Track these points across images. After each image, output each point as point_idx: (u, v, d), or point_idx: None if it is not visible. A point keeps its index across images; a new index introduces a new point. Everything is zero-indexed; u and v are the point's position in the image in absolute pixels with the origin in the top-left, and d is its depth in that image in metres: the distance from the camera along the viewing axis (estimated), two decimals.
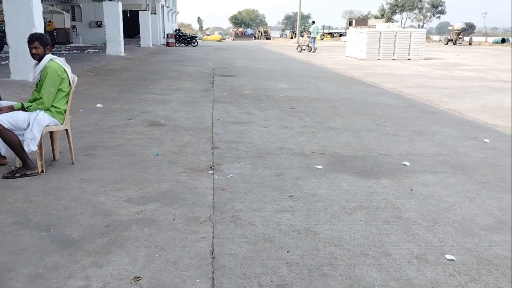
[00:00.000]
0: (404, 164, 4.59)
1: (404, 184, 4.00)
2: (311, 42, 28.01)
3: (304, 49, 28.13)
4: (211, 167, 4.37)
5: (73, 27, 31.92)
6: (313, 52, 26.95)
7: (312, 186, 3.93)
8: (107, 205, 3.40)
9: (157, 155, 4.75)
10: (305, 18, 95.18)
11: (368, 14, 75.53)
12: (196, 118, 6.76)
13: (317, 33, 29.30)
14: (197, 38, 37.49)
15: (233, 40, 62.74)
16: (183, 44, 34.07)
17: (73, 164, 4.39)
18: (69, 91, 4.27)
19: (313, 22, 31.66)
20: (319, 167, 4.46)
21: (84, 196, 3.59)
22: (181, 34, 35.31)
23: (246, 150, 5.04)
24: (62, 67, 4.17)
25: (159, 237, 2.90)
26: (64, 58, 4.47)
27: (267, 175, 4.21)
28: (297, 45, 29.56)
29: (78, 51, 22.25)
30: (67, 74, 4.21)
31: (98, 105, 7.62)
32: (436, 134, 5.99)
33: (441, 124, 6.60)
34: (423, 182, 4.06)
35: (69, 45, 27.22)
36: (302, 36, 56.87)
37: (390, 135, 5.90)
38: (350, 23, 60.44)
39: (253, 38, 66.62)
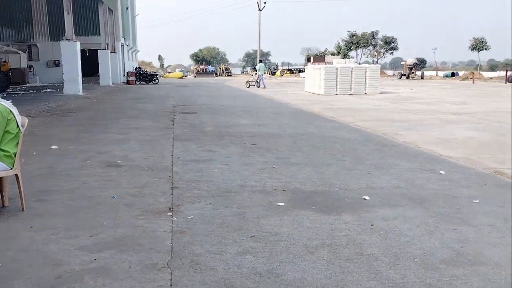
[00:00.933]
0: (364, 199, 4.60)
1: (364, 219, 4.00)
2: (259, 79, 29.89)
3: (253, 85, 29.95)
4: (170, 209, 4.24)
5: (30, 66, 31.38)
6: (262, 87, 28.50)
7: (274, 224, 3.86)
8: (58, 255, 3.20)
9: (114, 198, 4.58)
10: (265, 55, 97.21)
11: (325, 51, 77.72)
12: (155, 157, 6.62)
13: (264, 70, 31.39)
14: (158, 76, 37.47)
15: (195, 77, 63.03)
16: (143, 82, 33.94)
17: (23, 210, 4.15)
18: (18, 133, 4.09)
19: (260, 61, 33.87)
20: (281, 204, 4.41)
21: (33, 245, 3.38)
22: (141, 72, 35.23)
23: (206, 189, 4.94)
24: (8, 108, 4.01)
25: (114, 287, 2.74)
26: (10, 101, 4.31)
27: (228, 215, 4.11)
28: (249, 81, 31.14)
29: (35, 91, 21.75)
30: (14, 116, 4.04)
31: (53, 146, 7.36)
32: (393, 167, 6.09)
33: (398, 157, 6.73)
34: (383, 217, 4.07)
35: (25, 85, 26.62)
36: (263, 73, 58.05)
37: (350, 169, 5.95)
38: (309, 60, 62.05)
39: (215, 75, 67.16)
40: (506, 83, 35.22)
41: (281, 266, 3.05)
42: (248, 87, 29.68)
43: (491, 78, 43.30)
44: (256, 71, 31.84)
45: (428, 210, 4.26)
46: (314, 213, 4.15)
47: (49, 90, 22.52)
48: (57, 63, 31.80)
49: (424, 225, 3.86)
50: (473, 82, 37.15)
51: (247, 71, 79.96)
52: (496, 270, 3.03)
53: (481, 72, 52.23)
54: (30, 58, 32.94)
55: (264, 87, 28.82)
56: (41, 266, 3.02)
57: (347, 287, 2.77)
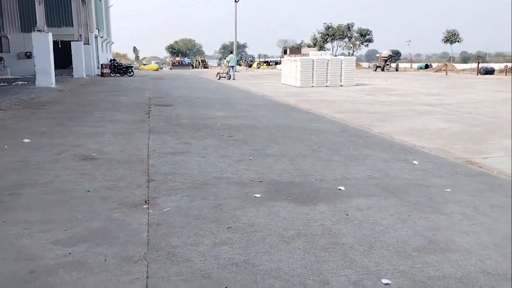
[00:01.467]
0: (339, 189, 4.67)
1: (340, 209, 4.05)
2: (230, 71, 29.97)
3: (224, 77, 29.88)
4: (146, 202, 4.22)
5: (0, 58, 30.53)
6: (232, 79, 28.63)
7: (250, 216, 3.88)
8: (32, 249, 3.15)
9: (89, 191, 4.52)
10: (241, 47, 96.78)
11: (302, 43, 77.80)
12: (131, 150, 6.55)
13: (234, 62, 31.95)
14: (133, 68, 36.91)
15: (171, 69, 62.35)
16: (118, 74, 33.40)
17: None
18: None
19: (231, 52, 34.06)
20: (257, 195, 4.43)
21: (6, 240, 3.31)
22: (116, 64, 34.60)
23: (183, 181, 4.93)
24: None
25: (89, 281, 2.72)
26: None
27: (205, 206, 4.11)
28: (219, 72, 31.11)
29: (6, 84, 21.18)
30: None
31: (26, 140, 7.20)
32: (368, 157, 6.18)
33: (372, 148, 6.83)
34: (358, 206, 4.13)
35: None
36: (239, 65, 58.25)
37: (325, 160, 6.01)
38: (285, 52, 62.09)
39: (191, 67, 66.53)
40: (477, 74, 36.03)
41: (257, 257, 3.07)
42: (219, 79, 29.73)
43: (463, 70, 44.20)
44: (228, 62, 31.83)
45: (401, 200, 4.35)
46: (290, 204, 4.19)
47: (21, 82, 21.96)
48: (28, 55, 30.95)
49: (397, 214, 3.94)
50: (446, 74, 37.87)
51: (223, 63, 79.55)
52: (466, 256, 3.12)
53: (453, 64, 53.29)
54: (0, 50, 32.01)
55: (234, 78, 28.96)
56: (14, 261, 2.97)
57: (323, 276, 2.81)
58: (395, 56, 60.75)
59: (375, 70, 47.42)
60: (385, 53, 48.89)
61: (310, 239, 3.37)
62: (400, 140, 7.57)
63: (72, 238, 3.35)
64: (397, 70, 47.77)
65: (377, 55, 54.26)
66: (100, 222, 3.69)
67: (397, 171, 5.45)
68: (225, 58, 58.91)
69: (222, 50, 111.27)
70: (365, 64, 64.20)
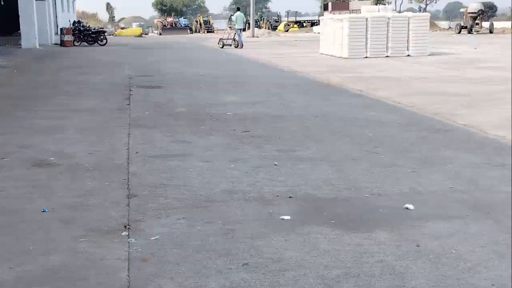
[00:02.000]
0: (407, 208, 4.64)
1: (407, 238, 4.03)
2: (237, 35, 30.90)
3: (230, 45, 30.76)
4: (125, 226, 4.27)
5: None
6: (240, 48, 29.53)
7: (276, 247, 3.90)
8: None
9: (44, 211, 4.60)
10: (262, 2, 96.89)
11: None
12: (104, 152, 6.65)
13: (243, 22, 32.88)
14: (106, 34, 37.36)
15: (160, 34, 63.08)
16: (85, 43, 33.86)
17: None
18: None
19: (238, 8, 34.76)
20: (286, 218, 4.45)
21: None
22: (82, 29, 35.09)
23: (178, 197, 4.97)
24: None
25: None
26: None
27: (210, 234, 4.14)
28: (222, 39, 31.66)
29: None
30: None
31: None
32: (449, 161, 6.14)
33: (455, 148, 6.78)
34: (433, 234, 4.11)
35: None
36: (259, 27, 58.37)
37: (386, 166, 5.99)
38: (326, 7, 62.02)
39: (189, 31, 67.15)
40: None
41: None
42: (222, 47, 30.53)
43: None
44: (233, 24, 32.40)
45: (498, 223, 4.31)
46: (333, 230, 4.19)
47: None
48: None
49: (492, 245, 3.90)
50: None
51: (235, 25, 79.77)
52: None
53: None
54: None
55: (242, 46, 29.77)
56: None
57: None
58: (489, 11, 60.01)
59: (459, 32, 46.99)
60: (473, 7, 48.29)
61: (364, 282, 3.37)
62: (495, 135, 7.48)
63: (22, 280, 3.40)
64: (491, 32, 47.18)
65: (462, 10, 53.68)
66: (60, 255, 3.74)
67: (491, 182, 5.39)
68: (229, 19, 58.89)
69: (233, 7, 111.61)
70: (444, 24, 63.60)
